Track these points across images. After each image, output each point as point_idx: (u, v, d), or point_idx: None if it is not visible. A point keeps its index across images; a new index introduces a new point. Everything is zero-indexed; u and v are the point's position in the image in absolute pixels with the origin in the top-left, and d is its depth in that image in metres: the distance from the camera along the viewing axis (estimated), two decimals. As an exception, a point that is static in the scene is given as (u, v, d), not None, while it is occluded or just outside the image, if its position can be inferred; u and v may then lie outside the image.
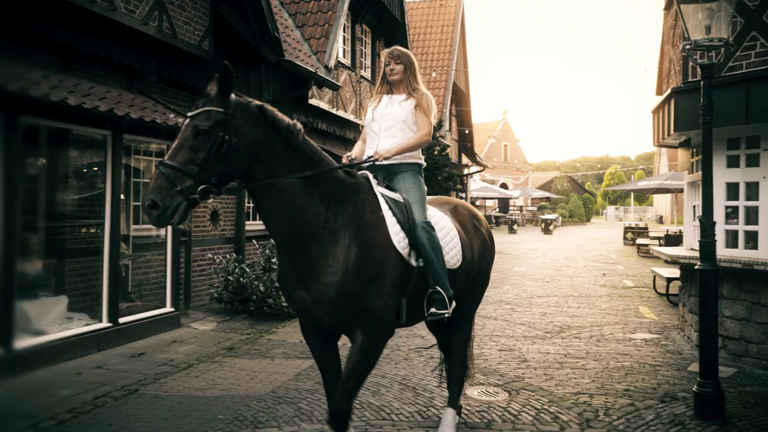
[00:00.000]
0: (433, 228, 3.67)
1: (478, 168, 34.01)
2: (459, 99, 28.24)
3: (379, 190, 3.63)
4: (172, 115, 7.51)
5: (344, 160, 3.81)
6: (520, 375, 5.99)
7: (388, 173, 3.86)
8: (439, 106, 23.67)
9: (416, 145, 3.85)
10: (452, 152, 25.81)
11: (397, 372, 6.02)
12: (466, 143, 30.55)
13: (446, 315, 3.63)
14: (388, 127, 3.87)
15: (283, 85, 11.35)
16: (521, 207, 54.57)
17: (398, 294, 3.48)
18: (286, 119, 3.23)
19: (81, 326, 6.73)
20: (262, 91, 10.78)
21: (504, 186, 53.54)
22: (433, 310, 3.61)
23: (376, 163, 3.68)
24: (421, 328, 8.21)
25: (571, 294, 11.83)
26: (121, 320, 7.08)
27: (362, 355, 3.39)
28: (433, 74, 23.62)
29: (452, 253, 3.85)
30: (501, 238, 30.60)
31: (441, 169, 13.23)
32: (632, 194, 54.11)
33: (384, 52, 3.96)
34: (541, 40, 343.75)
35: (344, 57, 14.65)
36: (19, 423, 4.55)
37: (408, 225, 3.55)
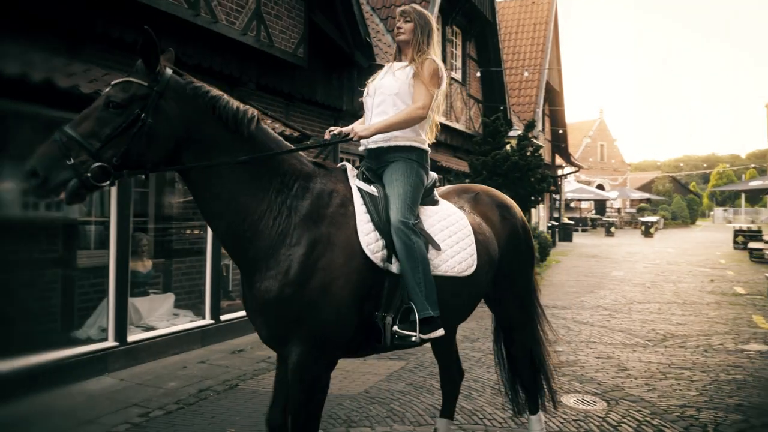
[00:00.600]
0: (414, 230, 2.94)
1: (573, 169, 32.94)
2: (552, 98, 27.49)
3: (355, 182, 3.06)
4: (269, 121, 7.80)
5: (326, 136, 3.21)
6: (619, 384, 5.73)
7: (379, 163, 3.22)
8: (531, 105, 23.15)
9: (402, 122, 3.07)
10: (545, 153, 25.13)
11: (490, 376, 5.93)
12: (559, 143, 29.68)
13: (414, 339, 2.85)
14: (379, 102, 3.22)
15: (374, 89, 11.49)
16: (619, 209, 52.37)
17: (356, 313, 2.81)
18: (235, 105, 2.74)
19: (186, 322, 7.13)
20: (354, 95, 10.97)
21: (600, 187, 51.60)
22: (395, 328, 2.85)
23: (353, 141, 3.09)
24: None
25: (674, 300, 11.20)
26: (223, 318, 7.43)
27: (297, 381, 2.72)
28: (525, 73, 23.10)
29: (459, 257, 3.17)
30: (597, 241, 29.50)
31: (534, 170, 12.90)
32: (743, 195, 50.57)
33: (398, 11, 3.35)
34: (640, 35, 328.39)
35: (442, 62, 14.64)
36: (132, 411, 4.88)
37: (383, 224, 2.92)
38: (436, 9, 13.36)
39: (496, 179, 12.35)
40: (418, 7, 3.35)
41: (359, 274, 2.79)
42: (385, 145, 3.17)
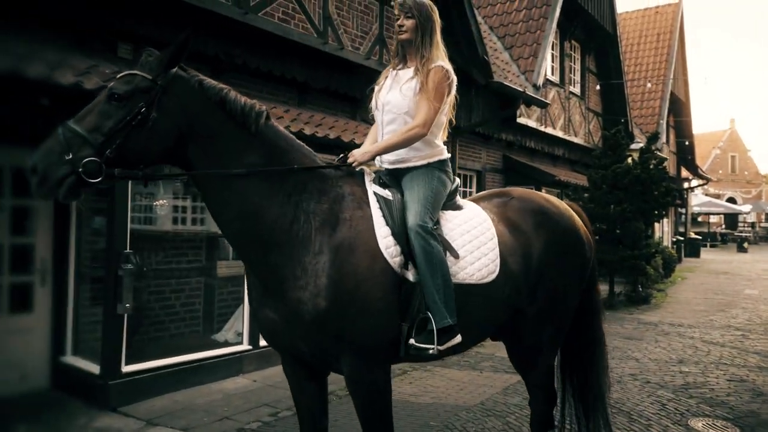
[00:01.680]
0: (433, 234, 2.75)
1: (700, 181, 30.91)
2: (677, 109, 26.05)
3: (371, 186, 2.88)
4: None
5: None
6: (754, 410, 5.42)
7: (392, 178, 3.01)
8: (654, 117, 22.12)
9: (402, 143, 2.87)
10: (670, 165, 23.84)
11: (610, 395, 5.81)
12: (686, 155, 28.00)
13: (432, 352, 2.68)
14: (390, 120, 3.00)
15: (491, 106, 11.60)
16: (753, 223, 48.25)
17: (394, 313, 2.70)
18: (243, 99, 2.64)
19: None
20: (471, 112, 11.14)
21: (732, 200, 47.85)
22: (412, 341, 2.68)
23: (356, 168, 2.90)
24: (635, 350, 7.79)
25: (820, 327, 10.27)
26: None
27: (358, 391, 2.70)
28: (648, 85, 22.13)
29: (479, 263, 2.95)
30: (728, 257, 27.48)
31: (657, 183, 12.35)
32: None
33: (396, 3, 3.00)
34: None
35: (552, 74, 14.49)
36: (263, 410, 5.29)
37: (398, 229, 2.75)
38: (554, 24, 13.24)
39: (616, 193, 11.97)
40: None
41: (385, 277, 2.66)
42: (402, 166, 2.99)
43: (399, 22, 2.96)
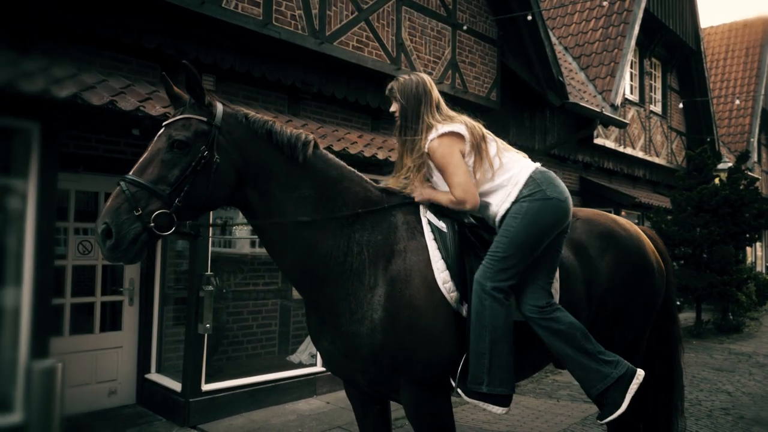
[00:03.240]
0: (493, 295, 2.51)
1: (799, 204, 28.90)
2: (771, 126, 24.60)
3: (426, 214, 2.75)
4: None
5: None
6: None
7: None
8: (744, 135, 20.97)
9: (456, 208, 2.70)
10: (762, 186, 22.48)
11: (698, 430, 5.48)
12: (781, 176, 26.33)
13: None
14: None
15: (567, 127, 11.40)
16: None
17: (453, 344, 2.59)
18: (289, 130, 2.59)
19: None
20: (546, 134, 10.97)
21: (836, 225, 44.40)
22: (459, 390, 2.59)
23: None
24: (726, 382, 7.34)
25: None
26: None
27: (420, 421, 2.61)
28: (737, 101, 21.05)
29: None
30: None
31: (748, 205, 11.69)
32: None
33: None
34: None
35: (631, 93, 14.07)
36: (336, 432, 5.33)
37: (453, 262, 2.62)
38: (633, 42, 12.89)
39: (703, 215, 11.41)
40: (401, 79, 2.77)
41: (443, 308, 2.57)
42: (487, 213, 2.75)
43: (391, 109, 2.82)
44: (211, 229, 5.48)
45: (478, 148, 2.67)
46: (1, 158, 4.94)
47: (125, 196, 2.26)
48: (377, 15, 7.34)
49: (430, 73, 8.07)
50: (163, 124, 2.44)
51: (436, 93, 2.78)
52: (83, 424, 5.32)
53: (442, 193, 2.68)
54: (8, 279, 4.81)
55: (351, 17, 7.02)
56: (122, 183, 2.29)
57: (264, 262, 7.10)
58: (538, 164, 2.79)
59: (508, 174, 2.69)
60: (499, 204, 2.67)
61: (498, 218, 2.69)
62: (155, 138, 2.41)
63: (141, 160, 2.36)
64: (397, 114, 2.76)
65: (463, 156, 2.64)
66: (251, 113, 2.59)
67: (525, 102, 10.31)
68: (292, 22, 6.41)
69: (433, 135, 2.64)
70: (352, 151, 6.29)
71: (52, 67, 4.83)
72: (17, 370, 4.49)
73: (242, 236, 6.92)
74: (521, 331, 2.67)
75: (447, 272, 2.61)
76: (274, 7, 6.22)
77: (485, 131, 2.77)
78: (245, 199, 2.52)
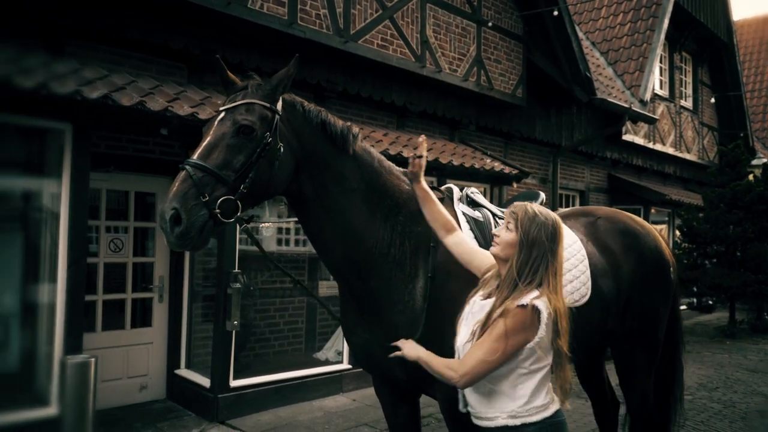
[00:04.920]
0: None
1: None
2: (808, 121, 23.93)
3: (460, 206, 2.81)
4: (488, 160, 8.09)
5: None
6: None
7: None
8: (780, 130, 20.47)
9: (441, 376, 2.19)
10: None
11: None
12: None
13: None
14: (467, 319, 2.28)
15: (594, 124, 11.26)
16: None
17: None
18: (340, 122, 2.60)
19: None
20: (573, 130, 10.86)
21: None
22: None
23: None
24: (761, 384, 7.18)
25: None
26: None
27: (454, 417, 2.53)
28: (772, 96, 20.56)
29: (571, 286, 2.87)
30: None
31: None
32: None
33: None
34: None
35: (661, 88, 13.83)
36: (362, 430, 5.34)
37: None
38: (662, 36, 12.66)
39: (736, 213, 11.15)
40: (535, 208, 2.14)
41: None
42: (479, 423, 2.22)
43: (495, 232, 2.25)
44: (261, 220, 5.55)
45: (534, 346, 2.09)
46: (35, 159, 5.08)
47: (192, 181, 2.15)
48: (401, 13, 7.34)
49: (455, 71, 8.05)
50: (223, 108, 2.37)
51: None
52: (116, 418, 5.44)
53: (439, 359, 2.20)
54: (43, 276, 4.94)
55: (375, 15, 7.04)
56: (188, 167, 2.18)
57: (291, 259, 7.16)
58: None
59: (536, 398, 2.12)
60: (492, 413, 2.15)
61: (483, 423, 2.19)
62: (215, 122, 2.34)
63: (204, 143, 2.27)
64: (499, 242, 2.17)
65: (521, 347, 2.06)
66: (305, 102, 2.59)
67: (551, 98, 10.21)
68: (317, 21, 6.45)
69: (538, 302, 2.04)
70: (378, 149, 6.21)
71: (83, 69, 4.94)
72: (52, 365, 4.61)
73: (286, 227, 6.99)
74: None
75: None
76: (299, 6, 6.26)
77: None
78: (299, 188, 2.49)
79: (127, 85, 4.94)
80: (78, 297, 4.68)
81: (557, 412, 2.17)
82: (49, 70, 4.58)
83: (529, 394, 2.09)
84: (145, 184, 5.90)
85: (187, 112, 4.89)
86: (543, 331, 2.06)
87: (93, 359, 4.05)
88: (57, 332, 4.60)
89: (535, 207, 2.16)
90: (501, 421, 2.11)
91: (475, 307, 2.23)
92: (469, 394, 2.22)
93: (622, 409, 3.91)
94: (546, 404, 2.13)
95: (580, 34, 12.25)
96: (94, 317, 5.71)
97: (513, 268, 2.09)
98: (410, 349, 2.31)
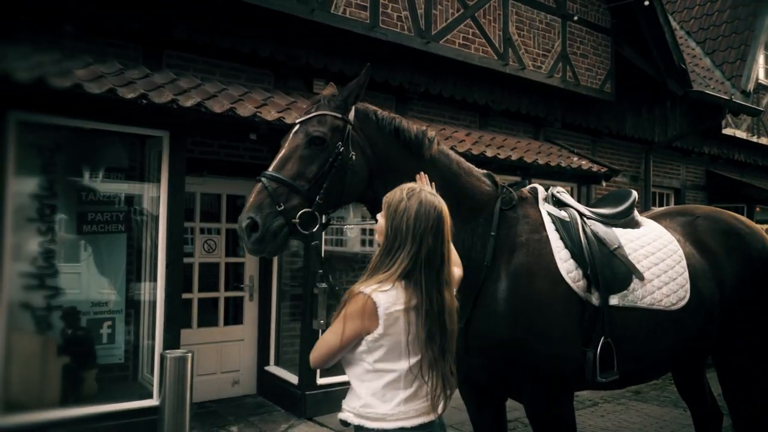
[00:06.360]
0: None
1: None
2: None
3: (545, 206, 2.76)
4: (575, 158, 7.85)
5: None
6: None
7: None
8: None
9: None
10: None
11: None
12: None
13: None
14: None
15: (690, 117, 10.67)
16: None
17: (577, 339, 2.56)
18: (414, 127, 2.61)
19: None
20: (667, 125, 10.35)
21: None
22: (600, 379, 2.56)
23: None
24: None
25: None
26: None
27: (541, 421, 2.57)
28: None
29: (667, 288, 2.76)
30: None
31: None
32: None
33: None
34: None
35: (766, 78, 12.91)
36: None
37: (578, 250, 2.61)
38: (767, 22, 11.83)
39: None
40: (404, 194, 1.96)
41: (567, 302, 2.55)
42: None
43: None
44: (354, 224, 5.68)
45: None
46: (136, 165, 5.42)
47: (267, 192, 2.27)
48: (483, 11, 7.26)
49: (539, 68, 7.86)
50: (298, 121, 2.47)
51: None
52: (210, 411, 5.70)
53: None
54: (144, 275, 5.26)
55: (457, 15, 7.00)
56: (263, 179, 2.29)
57: (358, 260, 7.25)
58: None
59: (363, 401, 1.96)
60: (344, 406, 2.03)
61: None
62: (290, 135, 2.43)
63: (279, 156, 2.37)
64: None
65: (358, 336, 1.92)
66: (378, 110, 2.63)
67: (642, 92, 9.77)
68: (398, 23, 6.49)
69: (373, 293, 1.90)
70: (460, 149, 6.26)
71: (179, 78, 5.22)
72: (153, 359, 4.90)
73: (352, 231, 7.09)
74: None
75: (572, 261, 2.59)
76: (380, 9, 6.32)
77: None
78: (374, 195, 2.50)
79: (218, 93, 5.17)
80: (176, 295, 4.94)
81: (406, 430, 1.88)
82: (148, 81, 4.88)
83: (369, 395, 1.91)
84: (236, 187, 6.15)
85: (274, 117, 5.06)
86: (382, 328, 1.88)
87: (190, 354, 4.26)
88: (158, 328, 4.88)
89: (405, 192, 1.96)
90: (345, 415, 1.99)
91: None
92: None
93: (726, 421, 3.68)
94: (390, 415, 1.88)
95: (674, 24, 11.66)
96: (190, 314, 6.01)
97: (376, 255, 1.99)
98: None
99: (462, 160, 2.76)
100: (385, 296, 1.88)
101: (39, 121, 4.56)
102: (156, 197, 5.03)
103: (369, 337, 1.89)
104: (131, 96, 4.45)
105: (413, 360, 1.88)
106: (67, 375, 4.84)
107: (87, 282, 5.17)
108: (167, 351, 4.45)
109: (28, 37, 4.80)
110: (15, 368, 4.62)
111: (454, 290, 1.99)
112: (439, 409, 1.96)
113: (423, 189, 1.99)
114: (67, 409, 4.60)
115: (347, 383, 2.06)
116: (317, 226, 2.33)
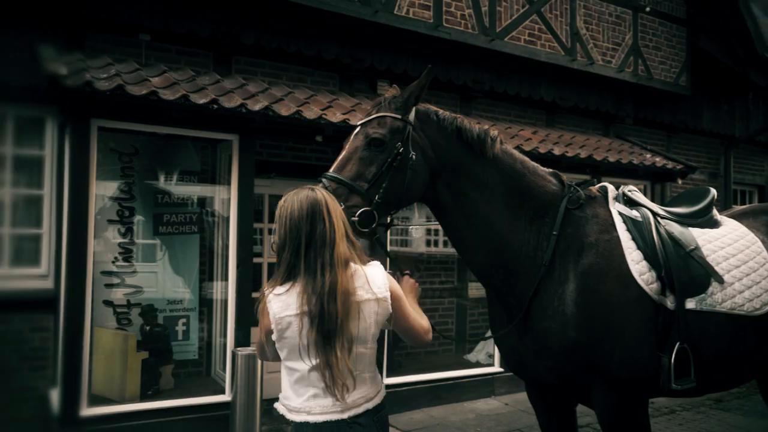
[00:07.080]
0: None
1: None
2: None
3: (615, 205, 2.67)
4: (648, 155, 7.56)
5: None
6: None
7: None
8: None
9: None
10: None
11: None
12: None
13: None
14: None
15: (775, 110, 10.10)
16: None
17: (652, 344, 2.46)
18: (476, 126, 2.58)
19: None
20: (749, 119, 9.82)
21: None
22: (674, 386, 2.47)
23: None
24: None
25: None
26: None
27: (614, 427, 2.50)
28: None
29: (749, 292, 2.63)
30: None
31: None
32: None
33: None
34: None
35: None
36: (513, 435, 5.24)
37: (652, 252, 2.52)
38: None
39: None
40: (289, 197, 2.01)
41: (640, 305, 2.46)
42: None
43: None
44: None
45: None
46: (208, 168, 5.61)
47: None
48: (549, 5, 7.11)
49: (608, 62, 7.62)
50: (359, 123, 2.50)
51: None
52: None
53: None
54: (216, 275, 5.44)
55: (522, 11, 6.88)
56: (324, 180, 2.31)
57: (439, 261, 7.21)
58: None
59: (283, 393, 2.05)
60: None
61: None
62: (351, 137, 2.46)
63: (340, 157, 2.40)
64: None
65: (268, 333, 2.00)
66: (440, 110, 2.62)
67: (721, 84, 9.31)
68: (462, 21, 6.44)
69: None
70: (527, 148, 6.15)
71: (247, 83, 5.37)
72: (225, 356, 5.05)
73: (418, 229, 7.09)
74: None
75: (644, 262, 2.51)
76: (443, 8, 6.30)
77: None
78: (436, 195, 2.53)
79: (285, 96, 5.28)
80: (246, 293, 5.07)
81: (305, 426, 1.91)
82: (218, 86, 5.04)
83: (288, 387, 1.98)
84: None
85: (339, 119, 5.12)
86: (276, 332, 1.91)
87: (260, 351, 4.35)
88: (229, 325, 5.03)
89: (285, 197, 1.99)
90: (276, 404, 2.03)
91: None
92: None
93: None
94: (299, 408, 1.93)
95: (756, 11, 11.03)
96: (260, 313, 6.15)
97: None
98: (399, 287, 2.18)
99: (526, 159, 2.71)
100: (277, 301, 1.92)
101: (118, 128, 4.79)
102: (227, 199, 5.18)
103: (273, 337, 1.95)
104: (203, 101, 4.61)
105: (314, 362, 1.88)
106: (147, 369, 5.06)
107: (163, 281, 5.39)
108: (238, 348, 4.58)
109: (107, 49, 5.06)
110: (99, 363, 4.87)
111: (357, 265, 1.97)
112: (354, 411, 1.95)
113: (306, 189, 1.99)
114: (146, 402, 4.80)
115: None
116: (375, 224, 2.33)
